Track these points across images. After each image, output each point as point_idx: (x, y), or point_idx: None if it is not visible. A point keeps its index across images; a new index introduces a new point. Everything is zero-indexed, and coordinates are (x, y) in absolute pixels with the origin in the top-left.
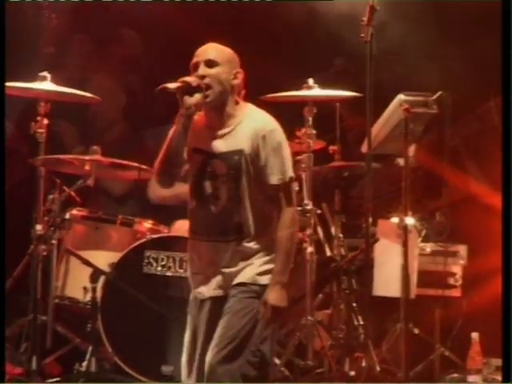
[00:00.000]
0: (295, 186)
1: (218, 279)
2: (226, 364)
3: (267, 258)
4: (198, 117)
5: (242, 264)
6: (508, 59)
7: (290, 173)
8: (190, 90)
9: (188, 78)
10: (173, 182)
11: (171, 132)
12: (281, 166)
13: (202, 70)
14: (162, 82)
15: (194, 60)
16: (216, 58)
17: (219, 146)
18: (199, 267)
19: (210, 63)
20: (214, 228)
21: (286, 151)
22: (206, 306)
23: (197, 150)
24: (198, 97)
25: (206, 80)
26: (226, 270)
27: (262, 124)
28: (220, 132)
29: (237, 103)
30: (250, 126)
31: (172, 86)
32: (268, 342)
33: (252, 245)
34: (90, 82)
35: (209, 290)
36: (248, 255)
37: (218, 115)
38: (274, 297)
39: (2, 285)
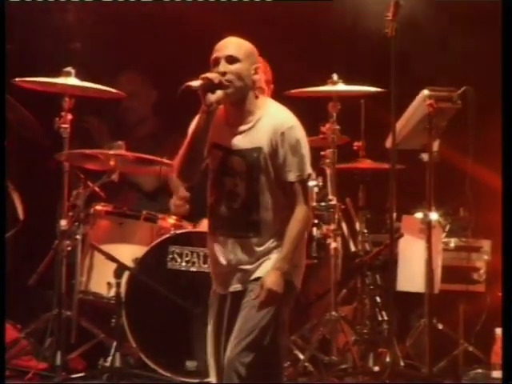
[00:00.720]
0: (319, 182)
1: (237, 275)
2: (244, 357)
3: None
4: (219, 112)
5: (260, 260)
6: (508, 59)
7: (308, 170)
8: (212, 86)
9: (210, 75)
10: (193, 177)
11: (193, 128)
12: (299, 163)
13: (223, 66)
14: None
15: (214, 55)
16: (236, 53)
17: (239, 142)
18: (218, 263)
19: (231, 59)
20: (233, 224)
21: (305, 148)
22: (226, 301)
23: (216, 145)
24: (219, 94)
25: (227, 76)
26: (245, 267)
27: (281, 121)
28: (240, 128)
29: (256, 98)
30: (269, 122)
31: (195, 84)
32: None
33: (270, 242)
34: (120, 77)
35: (228, 285)
36: (266, 252)
37: (238, 111)
38: (272, 280)
39: (2, 285)
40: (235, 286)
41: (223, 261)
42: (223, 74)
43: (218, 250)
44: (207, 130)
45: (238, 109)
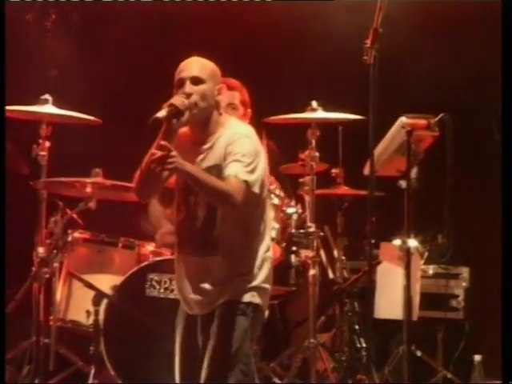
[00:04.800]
0: (298, 209)
1: (202, 297)
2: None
3: (249, 275)
4: (184, 131)
5: (223, 281)
6: (508, 60)
7: (248, 177)
8: (177, 113)
9: (175, 101)
10: (149, 195)
11: (153, 147)
12: (241, 166)
13: (189, 87)
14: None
15: (179, 76)
16: (201, 74)
17: (201, 161)
18: (184, 284)
19: (196, 80)
20: (195, 243)
21: (253, 159)
22: (193, 320)
23: None
24: (185, 118)
25: (193, 97)
26: (208, 286)
27: (234, 132)
28: (202, 147)
29: (219, 115)
30: (224, 139)
31: (162, 114)
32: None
33: (232, 265)
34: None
35: (194, 307)
36: (229, 276)
37: (202, 131)
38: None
39: (2, 290)
40: (201, 309)
41: (188, 281)
42: (189, 95)
43: (182, 271)
44: None
45: (202, 128)
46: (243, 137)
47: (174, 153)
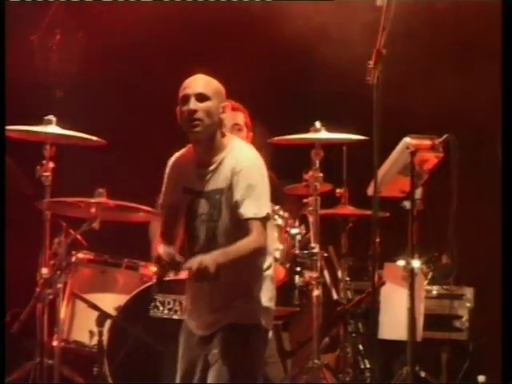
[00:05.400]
0: (302, 229)
1: (204, 319)
2: None
3: (252, 296)
4: (187, 151)
5: (226, 304)
6: (508, 60)
7: (265, 209)
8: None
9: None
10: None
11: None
12: (255, 201)
13: (193, 103)
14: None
15: (184, 92)
16: (206, 91)
17: (204, 184)
18: (190, 306)
19: (201, 97)
20: None
21: (263, 187)
22: (196, 341)
23: (186, 189)
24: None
25: (198, 114)
26: (210, 310)
27: (239, 160)
28: (206, 170)
29: (223, 136)
30: (230, 162)
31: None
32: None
33: (232, 283)
34: None
35: (197, 328)
36: (229, 296)
37: (206, 150)
38: (206, 257)
39: (2, 286)
40: (203, 331)
41: (193, 303)
42: (194, 111)
43: (189, 293)
44: None
45: (206, 148)
46: (250, 165)
47: (198, 261)
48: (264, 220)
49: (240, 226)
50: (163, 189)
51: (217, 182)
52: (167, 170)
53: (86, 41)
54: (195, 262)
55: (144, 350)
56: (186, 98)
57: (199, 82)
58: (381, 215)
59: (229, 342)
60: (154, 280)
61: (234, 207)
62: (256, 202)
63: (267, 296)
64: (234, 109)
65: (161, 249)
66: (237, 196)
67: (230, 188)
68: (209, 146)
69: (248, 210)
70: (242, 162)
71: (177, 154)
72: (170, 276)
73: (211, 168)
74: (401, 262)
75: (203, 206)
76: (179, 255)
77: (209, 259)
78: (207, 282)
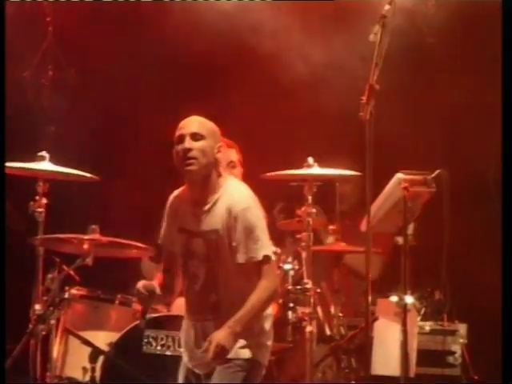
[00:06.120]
0: (295, 265)
1: (202, 358)
2: None
3: (249, 332)
4: (184, 190)
5: None
6: (509, 60)
7: (266, 251)
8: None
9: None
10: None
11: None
12: (252, 245)
13: (188, 142)
14: None
15: (179, 133)
16: (201, 131)
17: (200, 224)
18: (186, 345)
19: (196, 136)
20: (195, 307)
21: (261, 230)
22: (193, 379)
23: (181, 229)
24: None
25: (192, 153)
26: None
27: (235, 202)
28: (201, 209)
29: (219, 176)
30: (225, 203)
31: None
32: None
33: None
34: None
35: (196, 366)
36: None
37: (201, 190)
38: (221, 336)
39: (2, 286)
40: (202, 369)
41: (190, 342)
42: (188, 150)
43: (186, 334)
44: None
45: (201, 187)
46: (246, 207)
47: (215, 345)
48: (267, 261)
49: (242, 268)
50: (162, 228)
51: (212, 222)
52: (166, 208)
53: (79, 76)
54: (212, 346)
55: None
56: (182, 138)
57: (194, 123)
58: (373, 251)
59: (225, 375)
60: (138, 315)
61: (232, 249)
62: (253, 245)
63: (266, 333)
64: (227, 146)
65: (140, 283)
66: (235, 238)
67: (226, 229)
68: (204, 186)
69: (244, 254)
70: (238, 204)
71: (175, 193)
72: (163, 312)
73: (206, 208)
74: (394, 298)
75: (200, 246)
76: (159, 289)
77: (224, 337)
78: (210, 318)
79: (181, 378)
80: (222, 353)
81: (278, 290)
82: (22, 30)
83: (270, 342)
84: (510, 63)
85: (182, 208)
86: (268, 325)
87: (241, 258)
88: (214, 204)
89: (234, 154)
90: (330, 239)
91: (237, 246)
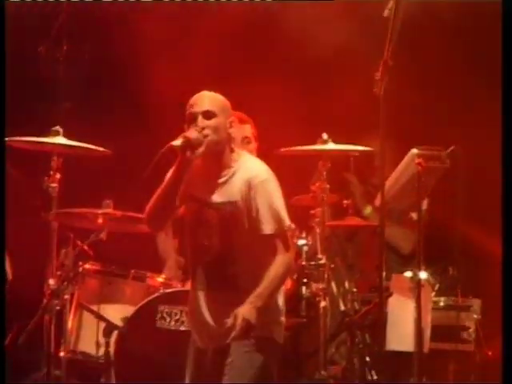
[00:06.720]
0: (309, 241)
1: (215, 331)
2: None
3: (263, 311)
4: (196, 164)
5: None
6: (508, 60)
7: (286, 221)
8: (191, 146)
9: (190, 135)
10: (161, 226)
11: (168, 178)
12: (275, 215)
13: (201, 121)
14: None
15: (191, 111)
16: (213, 108)
17: (213, 195)
18: (197, 317)
19: (208, 114)
20: (210, 278)
21: (280, 201)
22: (205, 355)
23: (193, 197)
24: (199, 152)
25: (205, 131)
26: (224, 322)
27: (254, 174)
28: (215, 181)
29: (232, 151)
30: (243, 176)
31: (176, 143)
32: None
33: (247, 296)
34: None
35: (207, 341)
36: None
37: (215, 164)
38: (245, 311)
39: (2, 286)
40: (214, 343)
41: (203, 316)
42: (201, 129)
43: (197, 305)
44: (180, 182)
45: (215, 162)
46: (265, 179)
47: (240, 321)
48: (285, 231)
49: (260, 239)
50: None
51: (229, 194)
52: None
53: (93, 51)
54: (238, 322)
55: (151, 361)
56: (194, 117)
57: (205, 100)
58: (409, 226)
59: (242, 354)
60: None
61: (252, 220)
62: (275, 216)
63: (280, 310)
64: (242, 121)
65: None
66: (255, 210)
67: (245, 201)
68: (218, 161)
69: (267, 224)
70: (257, 176)
71: None
72: (177, 287)
73: (221, 180)
74: (408, 274)
75: (213, 217)
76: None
77: (248, 312)
78: (225, 294)
79: (190, 357)
80: (248, 328)
81: (293, 264)
82: (36, 4)
83: (283, 318)
84: (510, 63)
85: (194, 178)
86: (281, 301)
87: (266, 228)
88: (231, 177)
89: (248, 129)
90: (369, 209)
91: (258, 217)
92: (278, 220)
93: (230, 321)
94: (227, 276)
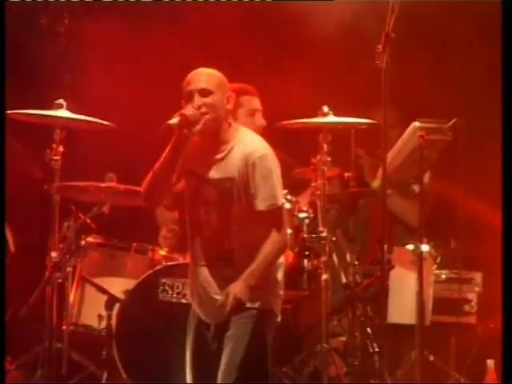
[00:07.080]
0: (310, 213)
1: (213, 305)
2: None
3: (263, 282)
4: (195, 140)
5: None
6: (508, 60)
7: (280, 198)
8: (188, 123)
9: (186, 112)
10: (158, 202)
11: (164, 155)
12: (271, 192)
13: (198, 99)
14: None
15: (187, 89)
16: (209, 85)
17: (212, 171)
18: (196, 291)
19: (205, 92)
20: (207, 253)
21: (277, 177)
22: (205, 327)
23: (191, 173)
24: (196, 129)
25: (203, 109)
26: (219, 297)
27: (251, 150)
28: (213, 157)
29: (229, 126)
30: (241, 151)
31: (173, 122)
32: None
33: (244, 270)
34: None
35: (209, 315)
36: None
37: (213, 140)
38: (237, 289)
39: (2, 286)
40: (213, 318)
41: (200, 288)
42: (198, 107)
43: (195, 278)
44: (177, 160)
45: (213, 138)
46: (264, 155)
47: (231, 299)
48: (280, 208)
49: (256, 214)
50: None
51: (226, 170)
52: None
53: (95, 24)
54: (229, 300)
55: (152, 334)
56: (190, 94)
57: (202, 77)
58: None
59: (241, 325)
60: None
61: (249, 196)
62: (271, 192)
63: (279, 283)
64: (249, 93)
65: None
66: (252, 186)
67: (242, 177)
68: (216, 137)
69: (263, 200)
70: (255, 152)
71: None
72: (179, 260)
73: (219, 156)
74: (410, 246)
75: (212, 193)
76: None
77: (240, 290)
78: (224, 264)
79: (191, 330)
80: (238, 306)
81: (287, 240)
82: None
83: (282, 292)
84: (510, 63)
85: (193, 153)
86: (280, 274)
87: (260, 205)
88: (229, 153)
89: (256, 102)
90: (377, 183)
91: (255, 193)
92: (272, 197)
93: (221, 298)
94: (223, 251)
